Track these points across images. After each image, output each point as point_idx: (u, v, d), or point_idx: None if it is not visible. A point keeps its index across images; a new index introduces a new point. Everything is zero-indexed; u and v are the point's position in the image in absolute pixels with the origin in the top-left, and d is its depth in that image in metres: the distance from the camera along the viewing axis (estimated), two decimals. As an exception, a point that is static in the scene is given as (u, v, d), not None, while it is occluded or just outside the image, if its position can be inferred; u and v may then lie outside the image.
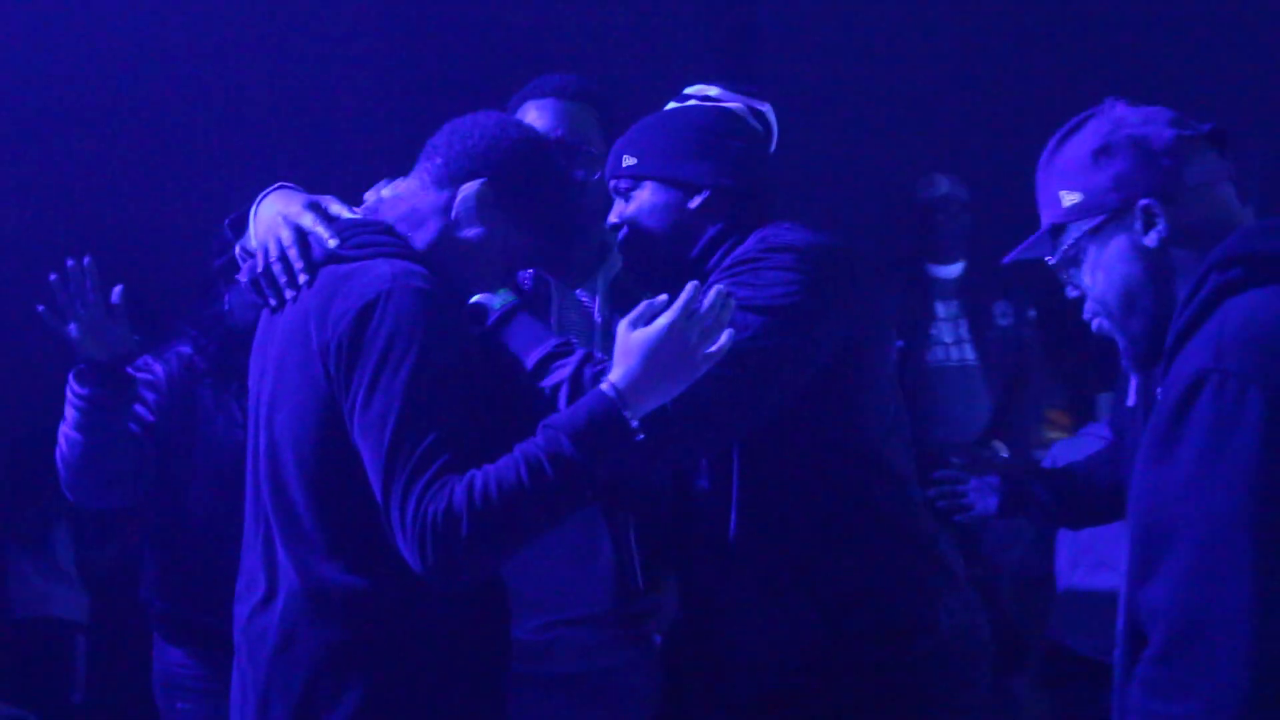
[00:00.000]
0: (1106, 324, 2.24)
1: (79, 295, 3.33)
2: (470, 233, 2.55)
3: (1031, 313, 5.54)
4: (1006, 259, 2.38)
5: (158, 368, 3.64)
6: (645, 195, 2.79)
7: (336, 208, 2.65)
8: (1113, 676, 2.12)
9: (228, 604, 2.64)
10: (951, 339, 5.51)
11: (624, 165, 2.81)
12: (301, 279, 2.53)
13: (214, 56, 5.64)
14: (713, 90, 2.93)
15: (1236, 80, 5.96)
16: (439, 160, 2.59)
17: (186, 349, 3.64)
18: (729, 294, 2.45)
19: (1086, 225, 2.20)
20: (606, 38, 6.09)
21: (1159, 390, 2.07)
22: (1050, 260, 2.26)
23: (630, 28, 6.27)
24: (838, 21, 6.55)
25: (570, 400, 2.50)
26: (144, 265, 4.19)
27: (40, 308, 3.34)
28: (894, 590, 2.72)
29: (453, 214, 2.56)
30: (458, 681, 2.47)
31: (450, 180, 2.57)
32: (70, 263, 3.32)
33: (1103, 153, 2.18)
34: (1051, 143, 2.26)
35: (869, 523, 2.73)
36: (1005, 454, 5.17)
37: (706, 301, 2.41)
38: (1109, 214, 2.19)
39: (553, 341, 2.61)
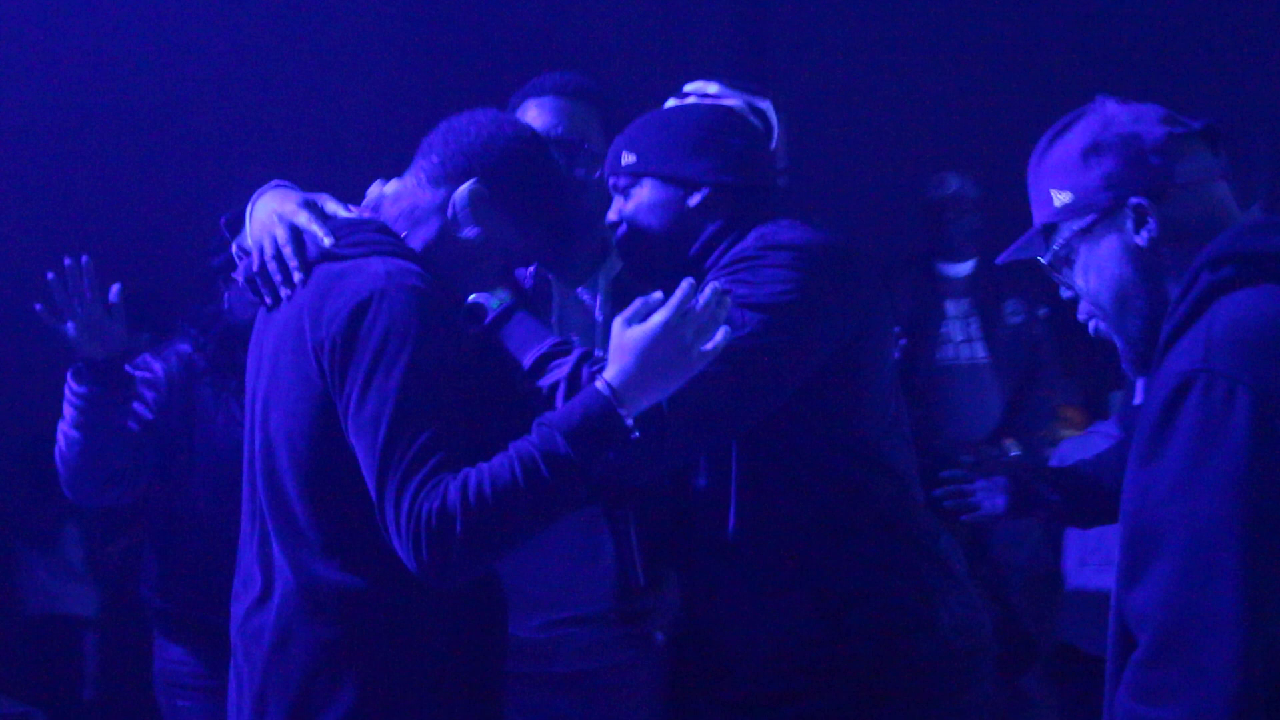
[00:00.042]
0: (1103, 325, 2.22)
1: (77, 294, 3.32)
2: (467, 231, 2.54)
3: (1043, 311, 5.51)
4: (1000, 259, 2.37)
5: (157, 366, 3.63)
6: (644, 193, 2.78)
7: (332, 206, 2.65)
8: None
9: (228, 601, 2.64)
10: (962, 337, 5.49)
11: (623, 163, 2.80)
12: (296, 277, 2.53)
13: (212, 55, 5.65)
14: (712, 87, 2.92)
15: (1245, 75, 5.93)
16: (435, 159, 2.59)
17: (186, 347, 3.64)
18: (725, 291, 2.44)
19: (1077, 225, 2.18)
20: (622, 38, 6.09)
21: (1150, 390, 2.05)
22: (1042, 260, 2.24)
23: (646, 27, 6.26)
24: (852, 20, 6.54)
25: (568, 399, 2.49)
26: (142, 264, 4.19)
27: (38, 306, 3.34)
28: (893, 588, 2.71)
29: (449, 213, 2.55)
30: (453, 680, 2.46)
31: (446, 179, 2.56)
32: (68, 261, 3.32)
33: (1093, 151, 2.16)
34: (1043, 141, 2.23)
35: (868, 521, 2.72)
36: (1016, 453, 5.17)
37: (702, 299, 2.39)
38: (1100, 213, 2.17)
39: (551, 340, 2.60)
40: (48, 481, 3.73)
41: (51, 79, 5.47)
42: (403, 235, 2.55)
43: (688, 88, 2.95)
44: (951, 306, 5.50)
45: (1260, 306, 1.98)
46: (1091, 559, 4.26)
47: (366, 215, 2.62)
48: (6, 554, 5.73)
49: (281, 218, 2.59)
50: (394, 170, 2.74)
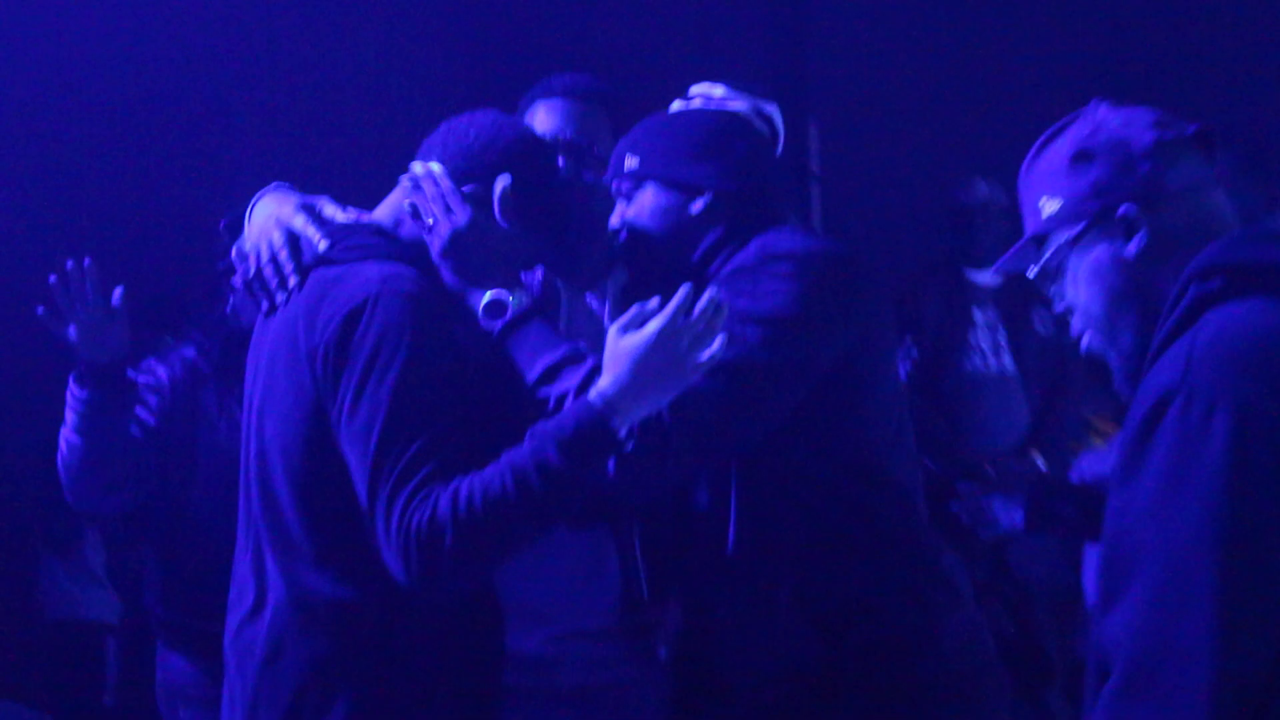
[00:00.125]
0: (1096, 340, 2.14)
1: (79, 297, 3.31)
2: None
3: (1072, 321, 5.42)
4: (993, 269, 2.30)
5: (161, 370, 3.63)
6: (646, 198, 2.74)
7: (330, 209, 2.63)
8: None
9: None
10: (990, 347, 5.42)
11: (625, 167, 2.76)
12: (291, 282, 2.51)
13: (216, 57, 5.65)
14: (718, 90, 2.88)
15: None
16: (434, 160, 2.56)
17: (190, 352, 3.63)
18: (722, 300, 2.39)
19: (1067, 234, 2.11)
20: (658, 42, 6.07)
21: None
22: (1030, 272, 2.18)
23: (682, 31, 6.25)
24: (889, 25, 6.50)
25: None
26: (146, 267, 4.18)
27: (40, 309, 3.33)
28: (894, 607, 2.66)
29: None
30: (447, 694, 2.43)
31: None
32: (70, 264, 3.30)
33: (1081, 158, 2.09)
34: (1034, 148, 2.17)
35: (869, 538, 2.67)
36: (1042, 465, 5.10)
37: (698, 307, 2.35)
38: (1089, 222, 2.09)
39: (565, 348, 2.55)
40: (67, 486, 3.72)
41: (53, 80, 5.48)
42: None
43: (693, 90, 2.91)
44: (979, 315, 5.42)
45: (1248, 320, 1.89)
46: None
47: (365, 218, 2.59)
48: (27, 559, 5.72)
49: (278, 221, 2.58)
50: (398, 171, 2.72)
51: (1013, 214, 5.54)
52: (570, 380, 2.49)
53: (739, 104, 2.87)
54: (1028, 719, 4.67)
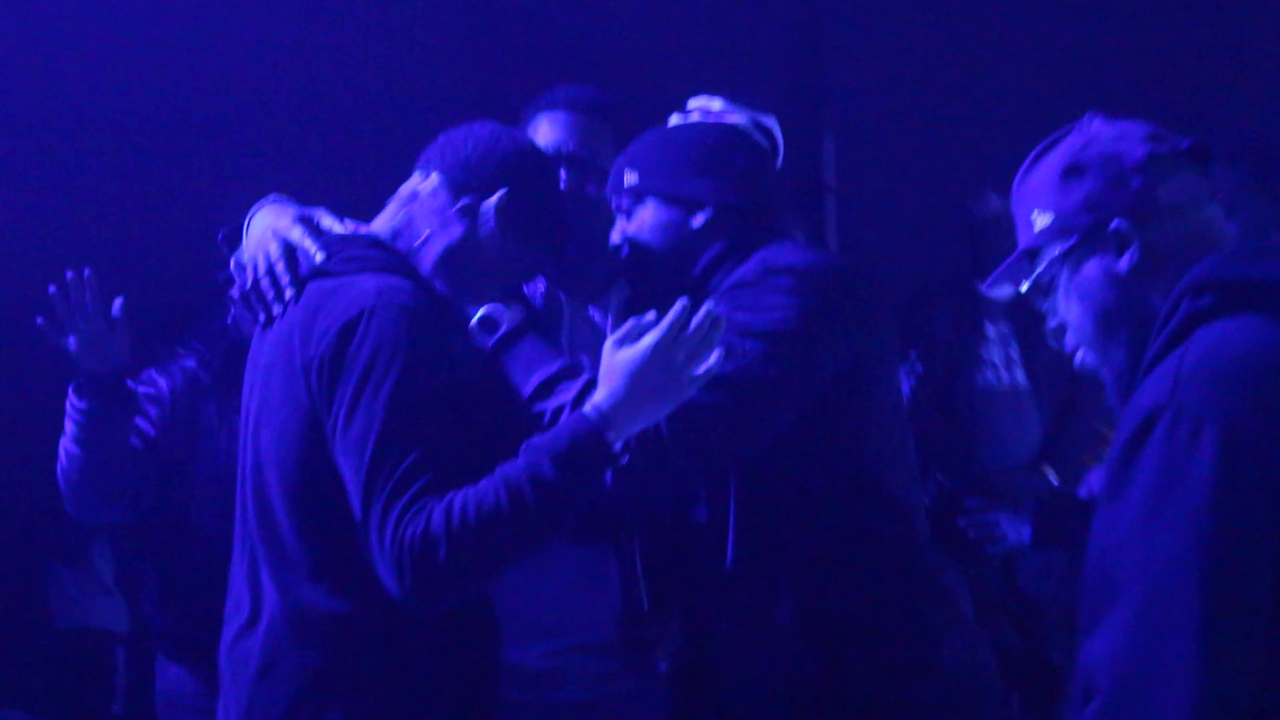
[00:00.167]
0: (1090, 357, 2.11)
1: (79, 308, 3.30)
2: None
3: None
4: (986, 284, 2.28)
5: (161, 381, 3.62)
6: (647, 213, 2.73)
7: (328, 221, 2.63)
8: None
9: (230, 622, 2.61)
10: (1002, 361, 5.38)
11: (625, 182, 2.75)
12: (288, 294, 2.51)
13: (216, 69, 5.64)
14: (717, 103, 2.87)
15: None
16: (432, 172, 2.55)
17: (191, 362, 3.63)
18: (719, 314, 2.38)
19: (1058, 249, 2.09)
20: (677, 54, 6.05)
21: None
22: (1022, 287, 2.15)
23: (700, 43, 6.23)
24: (909, 39, 6.48)
25: None
26: (146, 277, 4.18)
27: (39, 319, 3.32)
28: (894, 626, 2.64)
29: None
30: (442, 707, 2.42)
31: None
32: (70, 275, 3.30)
33: (1073, 171, 2.06)
34: (1026, 161, 2.14)
35: (868, 554, 2.65)
36: (1055, 479, 5.07)
37: (694, 321, 2.33)
38: (1080, 236, 2.06)
39: (560, 362, 2.55)
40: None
41: (54, 89, 5.48)
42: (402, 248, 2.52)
43: (692, 104, 2.90)
44: (991, 329, 5.38)
45: (1239, 337, 1.86)
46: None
47: (362, 230, 2.59)
48: (36, 568, 5.72)
49: (275, 233, 2.58)
50: (399, 182, 2.71)
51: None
52: (566, 394, 2.49)
53: (737, 117, 2.85)
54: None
